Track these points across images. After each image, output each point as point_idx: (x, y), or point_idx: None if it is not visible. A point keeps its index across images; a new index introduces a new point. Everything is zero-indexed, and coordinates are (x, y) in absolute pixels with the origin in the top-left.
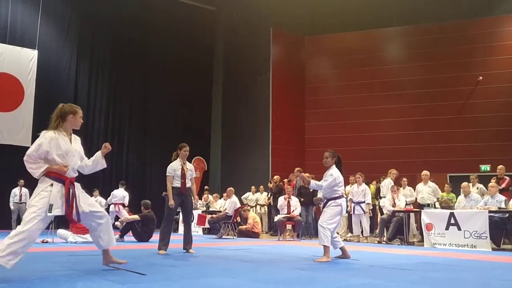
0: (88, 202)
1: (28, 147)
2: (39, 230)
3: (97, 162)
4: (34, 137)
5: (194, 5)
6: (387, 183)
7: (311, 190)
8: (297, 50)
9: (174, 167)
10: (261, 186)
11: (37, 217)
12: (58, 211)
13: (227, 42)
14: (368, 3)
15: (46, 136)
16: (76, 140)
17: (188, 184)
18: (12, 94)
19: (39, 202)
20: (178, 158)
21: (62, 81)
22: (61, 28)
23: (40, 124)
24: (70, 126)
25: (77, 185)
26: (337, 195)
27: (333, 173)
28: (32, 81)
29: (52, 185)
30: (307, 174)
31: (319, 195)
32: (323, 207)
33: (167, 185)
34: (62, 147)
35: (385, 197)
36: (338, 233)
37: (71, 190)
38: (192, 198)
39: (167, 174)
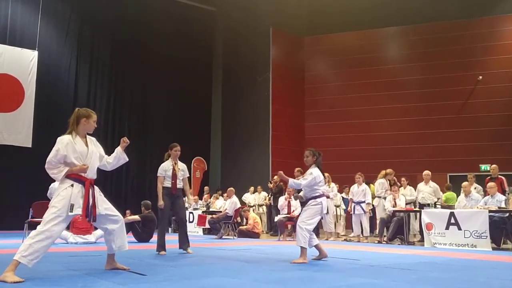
0: (105, 206)
1: (29, 148)
2: (60, 230)
3: (119, 157)
4: (35, 137)
5: (193, 5)
6: (380, 183)
7: None
8: (296, 50)
9: (165, 167)
10: (259, 187)
11: (58, 218)
12: (79, 210)
13: (226, 42)
14: (368, 3)
15: (63, 141)
16: (92, 141)
17: (180, 185)
18: (13, 94)
19: (59, 203)
20: (169, 158)
21: (62, 82)
22: (61, 28)
23: (40, 124)
24: (83, 129)
25: (96, 188)
26: (317, 194)
27: (313, 172)
28: (32, 82)
29: (72, 185)
30: (298, 168)
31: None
32: (303, 206)
33: (157, 186)
34: (78, 149)
35: (379, 197)
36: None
37: (90, 191)
38: (187, 197)
39: (157, 175)
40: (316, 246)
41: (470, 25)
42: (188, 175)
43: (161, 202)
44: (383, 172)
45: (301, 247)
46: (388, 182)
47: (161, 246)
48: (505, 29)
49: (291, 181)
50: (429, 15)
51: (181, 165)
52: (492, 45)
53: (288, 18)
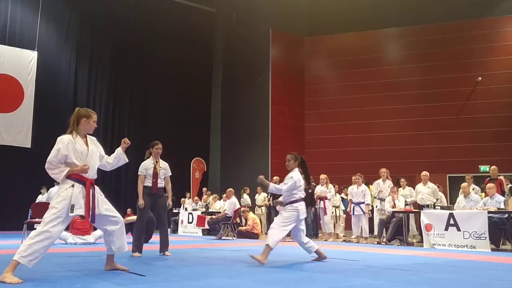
0: (106, 206)
1: (28, 148)
2: (60, 230)
3: (119, 158)
4: (34, 138)
5: (193, 6)
6: (376, 184)
7: (309, 191)
8: (296, 51)
9: (146, 165)
10: (259, 187)
11: (58, 219)
12: (80, 210)
13: (226, 43)
14: (367, 4)
15: (63, 141)
16: (93, 141)
17: (161, 184)
18: (12, 95)
19: (59, 204)
20: (150, 157)
21: (62, 82)
22: (61, 29)
23: (40, 125)
24: (83, 129)
25: (97, 188)
26: (294, 199)
27: (294, 176)
28: (32, 82)
29: (73, 186)
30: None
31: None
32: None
33: (138, 184)
34: (78, 149)
35: (375, 197)
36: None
37: (91, 191)
38: (168, 198)
39: (138, 173)
40: (316, 251)
41: (469, 26)
42: (170, 174)
43: (141, 201)
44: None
45: (267, 245)
46: (384, 182)
47: (137, 247)
48: (505, 30)
49: (271, 185)
50: (429, 16)
51: (163, 164)
52: (492, 46)
53: (288, 19)
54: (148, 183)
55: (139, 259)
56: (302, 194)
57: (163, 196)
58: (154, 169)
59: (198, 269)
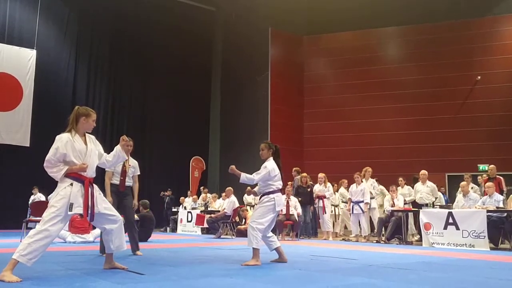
0: (105, 205)
1: (27, 147)
2: (59, 229)
3: (118, 156)
4: (33, 136)
5: (193, 5)
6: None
7: (308, 190)
8: (295, 50)
9: None
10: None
11: (57, 217)
12: (78, 209)
13: (225, 41)
14: (367, 2)
15: (62, 139)
16: (92, 139)
17: (129, 183)
18: (11, 93)
19: (58, 203)
20: None
21: (61, 80)
22: (60, 27)
23: (38, 123)
24: (82, 128)
25: (95, 186)
26: (270, 190)
27: (268, 165)
28: (31, 81)
29: (71, 184)
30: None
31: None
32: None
33: (105, 181)
34: (77, 148)
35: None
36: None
37: (90, 190)
38: (133, 198)
39: (106, 170)
40: (277, 249)
41: (468, 25)
42: (138, 173)
43: (109, 199)
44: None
45: (253, 248)
46: (377, 181)
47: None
48: (504, 29)
49: (243, 175)
50: (428, 15)
51: (133, 162)
52: (491, 45)
53: (287, 18)
54: (116, 180)
55: (137, 258)
56: (279, 185)
57: (130, 195)
58: (123, 166)
59: (197, 268)
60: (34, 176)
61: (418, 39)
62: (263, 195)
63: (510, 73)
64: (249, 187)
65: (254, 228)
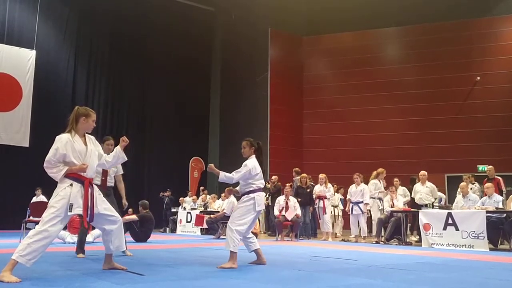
0: (104, 205)
1: (26, 147)
2: (59, 230)
3: (118, 156)
4: (32, 137)
5: (193, 5)
6: (373, 184)
7: (308, 190)
8: (295, 50)
9: None
10: None
11: (56, 218)
12: (78, 210)
13: (225, 42)
14: (366, 3)
15: (62, 139)
16: (91, 140)
17: (111, 183)
18: (10, 94)
19: (58, 203)
20: None
21: (60, 81)
22: (59, 27)
23: (38, 124)
24: (82, 128)
25: (95, 187)
26: (251, 189)
27: (248, 164)
28: (30, 81)
29: (71, 185)
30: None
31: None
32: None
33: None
34: (77, 148)
35: (373, 198)
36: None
37: (89, 191)
38: (122, 198)
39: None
40: (255, 251)
41: (468, 25)
42: (122, 173)
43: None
44: (374, 172)
45: (230, 251)
46: (381, 182)
47: (81, 248)
48: (503, 30)
49: (221, 174)
50: (427, 15)
51: None
52: (491, 46)
53: (287, 18)
54: (97, 181)
55: (137, 259)
56: (260, 184)
57: (112, 195)
58: None
59: (196, 269)
60: (34, 176)
61: (418, 39)
62: (243, 194)
63: (510, 73)
64: (228, 187)
65: (233, 231)
